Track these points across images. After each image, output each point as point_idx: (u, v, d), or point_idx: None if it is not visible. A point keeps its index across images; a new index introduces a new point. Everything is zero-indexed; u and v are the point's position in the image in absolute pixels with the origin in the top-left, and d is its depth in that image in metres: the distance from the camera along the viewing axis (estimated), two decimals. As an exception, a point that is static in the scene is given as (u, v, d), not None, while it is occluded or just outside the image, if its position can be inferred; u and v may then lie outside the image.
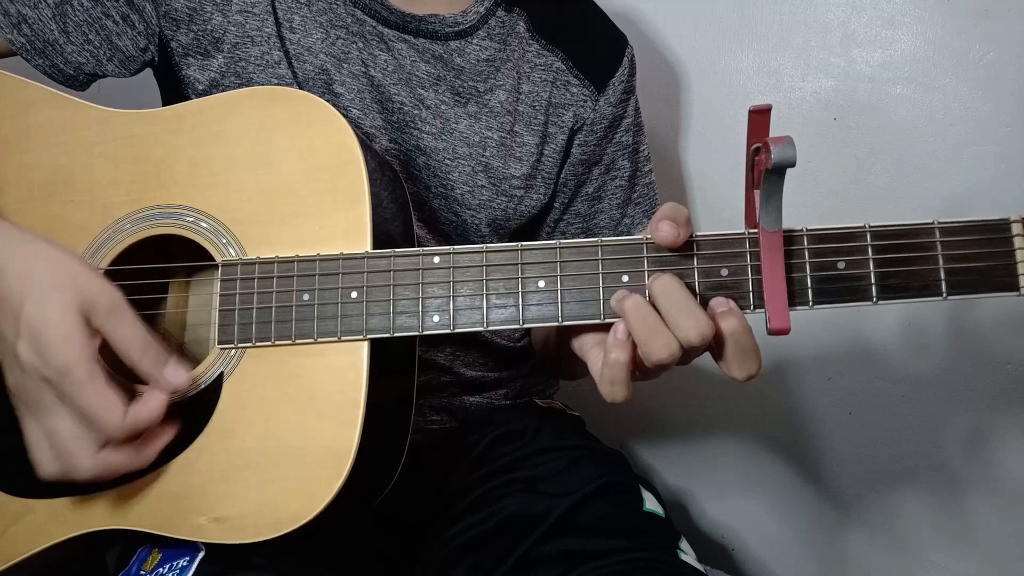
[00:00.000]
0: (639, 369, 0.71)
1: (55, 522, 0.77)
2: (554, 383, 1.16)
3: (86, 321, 0.69)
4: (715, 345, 0.69)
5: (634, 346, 0.69)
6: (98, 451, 0.70)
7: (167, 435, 0.74)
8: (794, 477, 1.33)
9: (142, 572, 0.79)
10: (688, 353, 0.69)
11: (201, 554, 0.77)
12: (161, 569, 0.78)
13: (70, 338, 0.68)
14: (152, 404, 0.71)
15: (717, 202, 1.29)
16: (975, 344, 1.13)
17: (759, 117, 0.67)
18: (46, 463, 0.71)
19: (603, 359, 0.70)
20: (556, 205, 1.06)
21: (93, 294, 0.70)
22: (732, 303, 0.69)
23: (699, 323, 0.67)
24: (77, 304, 0.69)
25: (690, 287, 0.70)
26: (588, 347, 0.75)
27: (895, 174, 1.14)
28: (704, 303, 0.69)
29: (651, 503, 0.94)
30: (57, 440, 0.70)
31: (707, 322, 0.67)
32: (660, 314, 0.68)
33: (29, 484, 0.78)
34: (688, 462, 1.45)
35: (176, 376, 0.73)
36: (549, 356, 1.10)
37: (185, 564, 0.77)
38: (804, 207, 1.18)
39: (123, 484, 0.76)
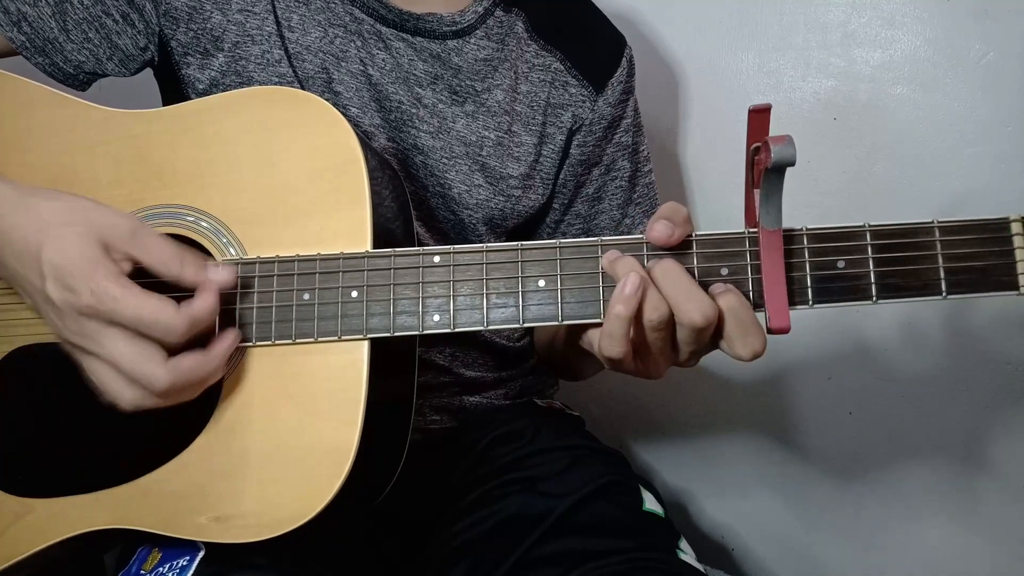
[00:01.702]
0: (641, 352, 0.71)
1: (55, 521, 0.77)
2: (554, 383, 1.16)
3: (109, 248, 0.69)
4: (717, 325, 0.69)
5: (639, 306, 0.69)
6: (166, 359, 0.69)
7: (231, 336, 0.73)
8: (794, 477, 1.33)
9: (142, 572, 0.79)
10: (693, 346, 0.69)
11: (201, 553, 0.77)
12: (161, 569, 0.78)
13: (94, 262, 0.68)
14: (207, 297, 0.70)
15: (717, 202, 1.29)
16: (975, 344, 1.13)
17: (759, 116, 0.67)
18: (121, 392, 0.70)
19: (607, 313, 0.70)
20: (556, 206, 1.06)
21: (110, 222, 0.70)
22: (730, 284, 0.70)
23: (703, 304, 0.67)
24: (94, 234, 0.69)
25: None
26: (597, 337, 0.74)
27: (895, 174, 1.14)
28: None
29: (651, 503, 0.94)
30: (122, 363, 0.69)
31: (710, 302, 0.68)
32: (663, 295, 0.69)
33: (29, 484, 0.78)
34: (688, 462, 1.45)
35: (222, 272, 0.73)
36: (555, 357, 1.10)
37: (185, 564, 0.77)
38: (804, 207, 1.18)
39: (134, 479, 0.75)
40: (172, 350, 0.70)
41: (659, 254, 0.71)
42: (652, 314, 0.68)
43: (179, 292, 0.71)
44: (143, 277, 0.71)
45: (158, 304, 0.68)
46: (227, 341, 0.73)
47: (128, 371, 0.69)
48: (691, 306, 0.67)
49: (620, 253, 0.71)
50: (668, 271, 0.69)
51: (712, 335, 0.70)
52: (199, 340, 0.72)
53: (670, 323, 0.69)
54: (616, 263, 0.70)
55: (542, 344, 1.11)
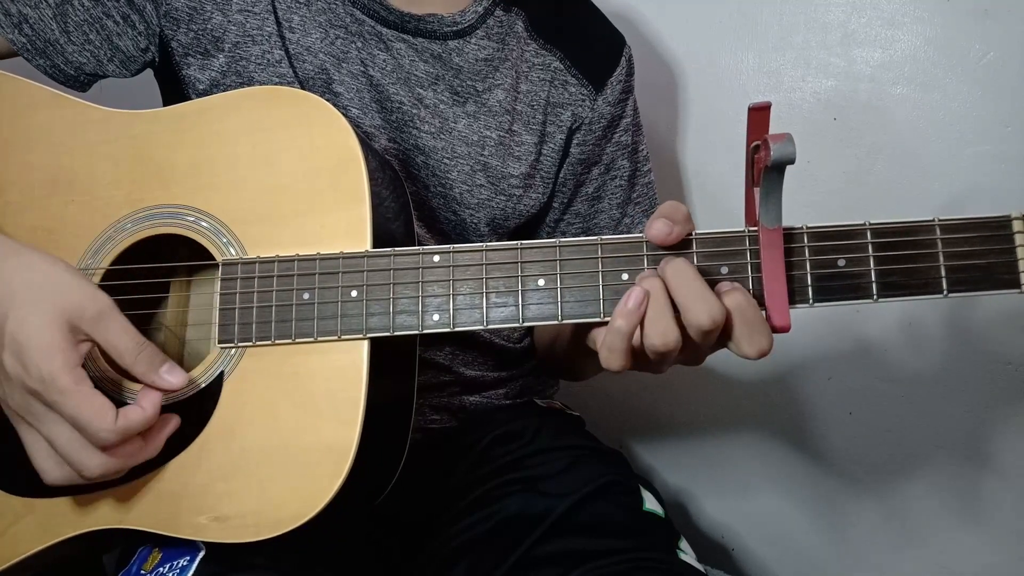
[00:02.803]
0: (641, 359, 0.71)
1: (56, 522, 0.77)
2: (554, 383, 1.16)
3: (72, 330, 0.69)
4: (723, 325, 0.69)
5: (639, 322, 0.69)
6: (100, 452, 0.70)
7: (171, 425, 0.74)
8: (794, 477, 1.33)
9: (142, 572, 0.79)
10: (700, 346, 0.69)
11: (201, 553, 0.77)
12: (161, 569, 0.78)
13: (51, 347, 0.68)
14: (146, 406, 0.71)
15: (718, 202, 1.29)
16: (975, 344, 1.13)
17: (758, 114, 0.67)
18: (51, 470, 0.71)
19: (608, 326, 0.70)
20: (555, 205, 1.06)
21: (78, 302, 0.70)
22: (737, 284, 0.70)
23: (711, 307, 0.67)
24: (60, 313, 0.69)
25: None
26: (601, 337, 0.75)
27: (895, 174, 1.14)
28: None
29: (651, 503, 0.94)
30: (57, 446, 0.70)
31: (719, 306, 0.67)
32: (672, 297, 0.69)
33: (30, 484, 0.78)
34: (688, 462, 1.45)
35: (172, 377, 0.73)
36: (556, 357, 1.10)
37: (185, 564, 0.77)
38: (804, 207, 1.18)
39: (134, 479, 0.76)
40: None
41: (658, 254, 0.71)
42: (656, 339, 0.68)
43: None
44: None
45: (97, 409, 0.68)
46: (165, 432, 0.74)
47: (63, 453, 0.70)
48: (700, 308, 0.67)
49: (653, 271, 0.70)
50: (680, 271, 0.69)
51: (719, 335, 0.70)
52: None
53: (676, 348, 0.69)
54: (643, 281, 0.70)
55: (543, 344, 1.10)
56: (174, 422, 0.75)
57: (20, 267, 0.72)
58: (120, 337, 0.71)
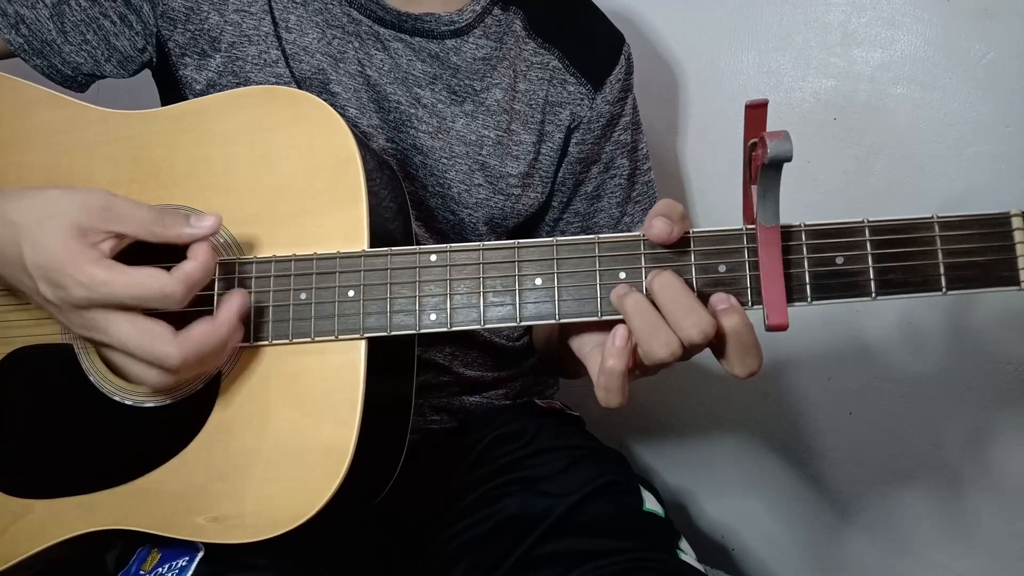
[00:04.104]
0: (639, 367, 0.71)
1: (55, 522, 0.77)
2: (554, 383, 1.16)
3: (84, 233, 0.68)
4: (716, 342, 0.68)
5: (632, 352, 0.69)
6: (173, 335, 0.68)
7: (237, 297, 0.72)
8: (794, 477, 1.33)
9: (141, 572, 0.79)
10: (689, 350, 0.68)
11: (200, 554, 0.77)
12: (160, 569, 0.78)
13: (73, 252, 0.67)
14: (198, 255, 0.70)
15: (717, 202, 1.29)
16: (975, 344, 1.13)
17: (755, 112, 0.67)
18: (143, 374, 0.70)
19: (600, 366, 0.69)
20: (555, 204, 1.06)
21: (78, 204, 0.69)
22: (733, 299, 0.69)
23: (701, 321, 0.66)
24: (66, 222, 0.68)
25: (688, 283, 0.69)
26: (587, 350, 0.75)
27: (895, 174, 1.14)
28: (703, 299, 0.69)
29: (651, 503, 0.94)
30: (131, 347, 0.68)
31: (709, 320, 0.67)
32: (660, 312, 0.68)
33: (29, 484, 0.78)
34: (688, 462, 1.45)
35: (204, 222, 0.72)
36: (552, 356, 1.10)
37: (184, 564, 0.77)
38: (804, 207, 1.18)
39: (133, 479, 0.75)
40: (184, 321, 0.70)
41: (655, 252, 0.71)
42: (662, 351, 0.67)
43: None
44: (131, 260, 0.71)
45: (149, 275, 0.68)
46: (234, 302, 0.72)
47: (139, 354, 0.68)
48: (690, 322, 0.66)
49: (628, 288, 0.70)
50: (666, 285, 0.68)
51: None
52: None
53: (676, 356, 0.68)
54: (623, 299, 0.69)
55: (539, 342, 1.10)
56: (240, 295, 0.72)
57: (12, 200, 0.71)
58: (134, 215, 0.70)
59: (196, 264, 0.69)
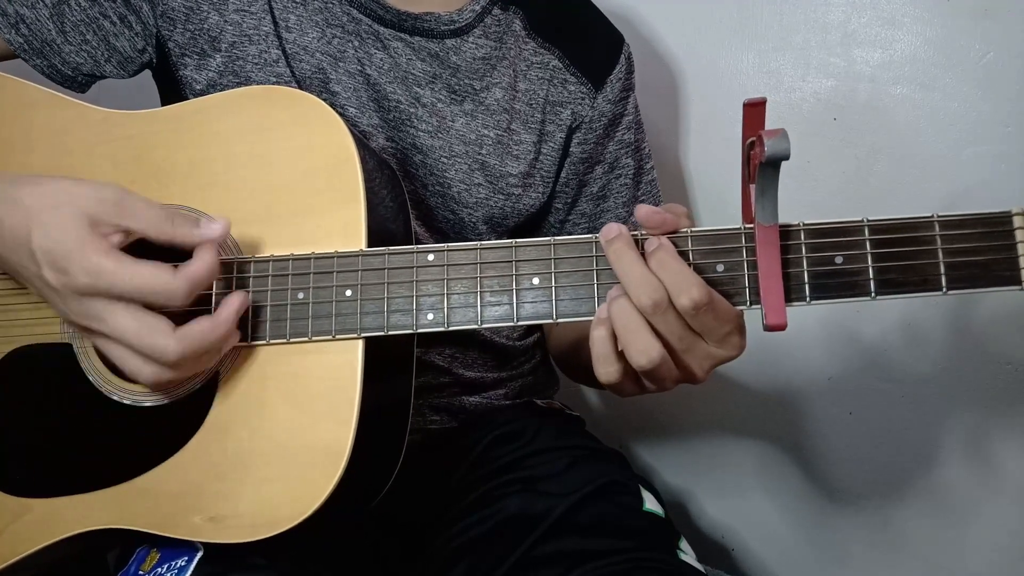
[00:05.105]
0: (636, 382, 0.72)
1: (54, 521, 0.77)
2: (554, 383, 1.16)
3: (95, 224, 0.68)
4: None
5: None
6: (173, 329, 0.69)
7: (237, 297, 0.73)
8: (794, 477, 1.33)
9: (140, 572, 0.79)
10: (690, 337, 0.69)
11: (199, 554, 0.77)
12: (159, 569, 0.78)
13: (82, 240, 0.67)
14: (204, 256, 0.70)
15: (718, 202, 1.29)
16: (975, 344, 1.12)
17: (754, 110, 0.67)
18: (139, 368, 0.70)
19: (590, 336, 0.70)
20: (559, 205, 1.06)
21: (92, 196, 0.69)
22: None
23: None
24: (78, 210, 0.68)
25: None
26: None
27: (895, 174, 1.14)
28: None
29: (651, 503, 0.94)
30: (130, 339, 0.68)
31: (701, 282, 0.67)
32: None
33: (28, 483, 0.78)
34: (688, 462, 1.44)
35: (214, 225, 0.72)
36: (582, 363, 1.09)
37: (183, 564, 0.77)
38: (804, 207, 1.17)
39: (131, 479, 0.75)
40: (181, 320, 0.70)
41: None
42: (644, 299, 0.67)
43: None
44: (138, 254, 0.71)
45: (154, 271, 0.68)
46: (235, 303, 0.72)
47: (137, 346, 0.69)
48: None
49: (620, 229, 0.70)
50: (660, 250, 0.68)
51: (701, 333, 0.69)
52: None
53: (662, 305, 0.68)
54: (611, 245, 0.69)
55: (561, 347, 1.10)
56: (240, 296, 0.73)
57: (27, 185, 0.71)
58: (146, 213, 0.70)
59: (202, 265, 0.70)
